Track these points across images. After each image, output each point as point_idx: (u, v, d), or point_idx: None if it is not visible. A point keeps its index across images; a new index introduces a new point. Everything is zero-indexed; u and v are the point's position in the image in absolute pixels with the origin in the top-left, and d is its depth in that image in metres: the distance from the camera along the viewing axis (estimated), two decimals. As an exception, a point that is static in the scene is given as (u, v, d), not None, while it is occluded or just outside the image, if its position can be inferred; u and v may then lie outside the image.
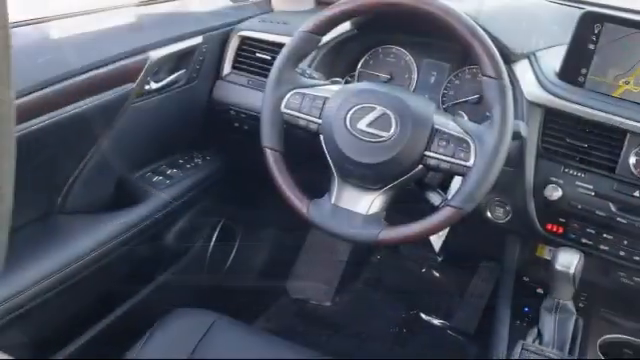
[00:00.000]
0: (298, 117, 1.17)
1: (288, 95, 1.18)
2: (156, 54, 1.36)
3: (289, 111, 1.17)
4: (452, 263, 2.16)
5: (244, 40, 1.56)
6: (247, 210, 1.96)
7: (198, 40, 1.48)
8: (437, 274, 2.22)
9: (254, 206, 1.94)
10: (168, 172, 1.55)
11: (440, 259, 2.15)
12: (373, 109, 1.10)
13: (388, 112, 1.10)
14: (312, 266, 2.16)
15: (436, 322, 2.08)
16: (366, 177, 1.13)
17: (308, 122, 1.16)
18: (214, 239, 1.84)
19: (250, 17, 1.63)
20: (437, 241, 1.43)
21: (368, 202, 1.14)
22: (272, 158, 1.18)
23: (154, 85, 1.40)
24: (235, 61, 1.57)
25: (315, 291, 2.13)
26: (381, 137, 1.09)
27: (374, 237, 1.11)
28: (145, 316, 1.28)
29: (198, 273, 1.82)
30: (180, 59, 1.46)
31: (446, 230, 1.47)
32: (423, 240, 1.38)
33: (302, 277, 2.16)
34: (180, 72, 1.47)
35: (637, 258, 1.26)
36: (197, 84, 1.53)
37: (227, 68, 1.58)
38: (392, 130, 1.09)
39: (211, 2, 1.63)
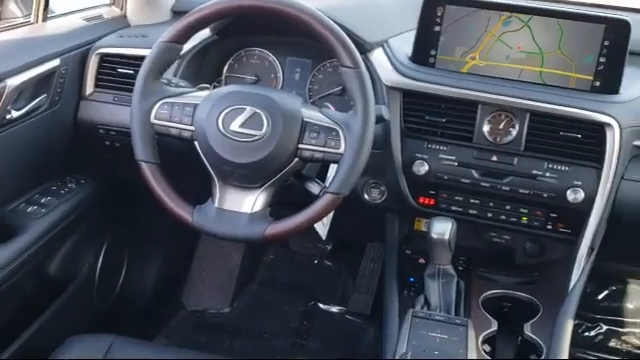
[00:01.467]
0: (170, 127, 1.17)
1: (156, 106, 1.18)
2: (13, 82, 1.31)
3: (159, 122, 1.17)
4: (341, 250, 2.24)
5: (104, 57, 1.53)
6: (131, 228, 1.92)
7: (56, 62, 1.43)
8: (329, 263, 2.29)
9: (138, 222, 1.90)
10: (42, 201, 1.49)
11: (329, 248, 2.23)
12: (243, 110, 1.13)
13: (258, 111, 1.13)
14: (206, 275, 2.16)
15: (334, 309, 2.14)
16: (246, 176, 1.16)
17: (181, 130, 1.17)
18: (101, 262, 1.79)
19: (107, 34, 1.60)
20: (323, 229, 1.48)
21: (251, 201, 1.17)
22: (148, 171, 1.17)
23: (15, 113, 1.34)
24: (97, 79, 1.54)
25: (212, 299, 2.13)
26: (255, 136, 1.12)
27: (261, 234, 1.14)
28: (39, 349, 1.23)
29: (89, 298, 1.77)
30: (40, 84, 1.41)
31: (330, 218, 1.52)
32: (309, 230, 1.43)
33: (197, 287, 2.15)
34: (41, 97, 1.42)
35: (503, 217, 1.38)
36: (60, 107, 1.49)
37: (90, 87, 1.54)
38: (264, 128, 1.12)
39: (65, 23, 1.59)
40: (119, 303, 1.92)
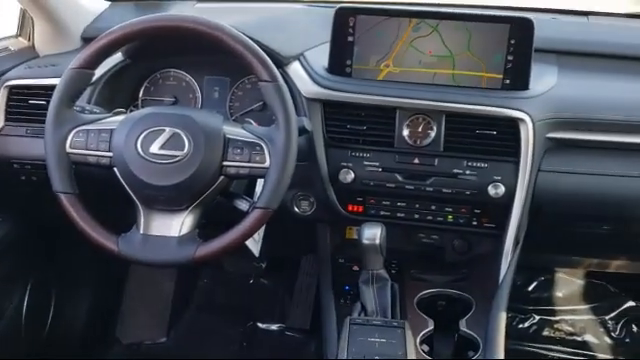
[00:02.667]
0: (86, 155, 1.14)
1: (71, 135, 1.14)
2: None
3: (75, 150, 1.14)
4: (276, 266, 2.22)
5: (13, 90, 1.47)
6: (57, 263, 1.84)
7: (-38, 99, 1.37)
8: (265, 281, 2.27)
9: (64, 257, 1.83)
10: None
11: (264, 266, 2.21)
12: (163, 131, 1.11)
13: (178, 131, 1.11)
14: (139, 305, 2.10)
15: (274, 327, 2.13)
16: (170, 199, 1.14)
17: (98, 158, 1.14)
18: (26, 302, 1.71)
19: (15, 65, 1.54)
20: (255, 246, 1.47)
21: (178, 223, 1.15)
22: (68, 202, 1.13)
23: None
24: (7, 113, 1.48)
25: (147, 330, 2.07)
26: (176, 157, 1.10)
27: (191, 256, 1.12)
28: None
29: (16, 341, 1.68)
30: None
31: (262, 234, 1.51)
32: (242, 249, 1.42)
33: (131, 319, 2.08)
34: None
35: (430, 218, 1.41)
36: (-30, 145, 1.42)
37: (0, 122, 1.48)
38: (186, 148, 1.10)
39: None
40: (50, 343, 1.83)
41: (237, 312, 2.17)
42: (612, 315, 2.16)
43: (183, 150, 1.10)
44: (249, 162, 1.12)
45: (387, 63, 1.37)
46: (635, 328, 2.13)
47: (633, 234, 1.37)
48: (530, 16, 1.31)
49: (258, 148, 1.12)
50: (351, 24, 1.35)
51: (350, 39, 1.36)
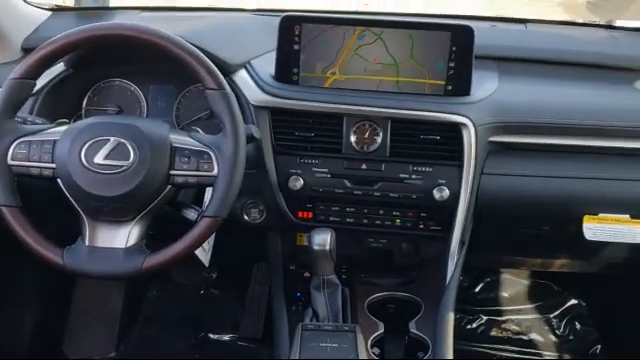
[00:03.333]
0: (29, 166, 1.12)
1: (12, 147, 1.12)
2: None
3: (17, 163, 1.12)
4: (227, 276, 2.21)
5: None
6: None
7: None
8: (216, 291, 2.25)
9: (6, 272, 1.78)
10: None
11: (215, 276, 2.19)
12: (107, 141, 1.10)
13: (123, 141, 1.10)
14: (86, 319, 2.05)
15: (226, 337, 2.11)
16: (117, 210, 1.12)
17: (41, 169, 1.12)
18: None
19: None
20: (204, 256, 1.46)
21: (125, 234, 1.13)
22: (10, 215, 1.11)
23: None
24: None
25: (95, 345, 2.02)
26: (122, 167, 1.09)
27: (138, 267, 1.11)
28: None
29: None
30: None
31: (211, 244, 1.51)
32: (192, 259, 1.41)
33: (78, 334, 2.03)
34: None
35: (378, 222, 1.43)
36: None
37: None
38: (131, 158, 1.09)
39: None
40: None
41: (188, 323, 2.14)
42: (556, 313, 2.23)
43: (128, 160, 1.09)
44: (197, 171, 1.12)
45: (333, 71, 1.39)
46: (578, 325, 2.20)
47: (572, 234, 1.41)
48: (470, 24, 1.34)
49: (206, 156, 1.12)
50: (297, 32, 1.37)
51: (296, 47, 1.38)
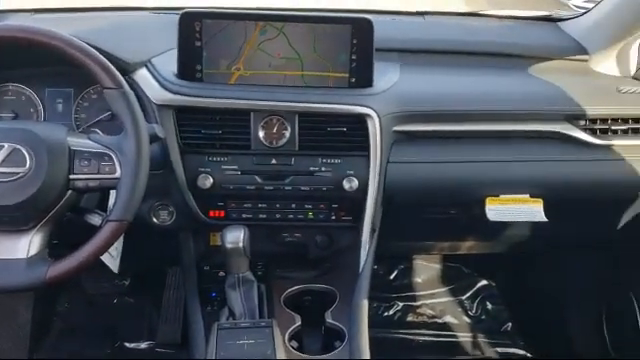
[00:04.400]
0: None
1: None
2: None
3: None
4: (141, 282, 2.15)
5: None
6: None
7: None
8: (130, 299, 2.19)
9: None
10: None
11: (127, 283, 2.13)
12: (1, 147, 1.05)
13: (18, 147, 1.06)
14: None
15: (143, 345, 2.06)
16: (15, 219, 1.07)
17: None
18: None
19: None
20: (113, 262, 1.42)
21: (26, 244, 1.09)
22: None
23: None
24: None
25: (3, 364, 1.92)
26: (18, 174, 1.04)
27: (42, 278, 1.06)
28: None
29: None
30: None
31: (119, 249, 1.46)
32: (102, 267, 1.36)
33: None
34: None
35: (291, 216, 1.43)
36: None
37: None
38: (28, 164, 1.05)
39: None
40: None
41: (102, 334, 2.08)
42: (468, 295, 2.32)
43: (24, 166, 1.05)
44: (98, 174, 1.09)
45: (238, 66, 1.38)
46: (489, 305, 2.30)
47: (477, 216, 1.47)
48: (370, 17, 1.37)
49: (107, 158, 1.09)
50: (197, 29, 1.34)
51: (198, 44, 1.35)
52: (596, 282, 1.95)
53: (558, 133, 1.46)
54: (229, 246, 1.25)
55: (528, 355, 2.13)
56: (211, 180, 1.35)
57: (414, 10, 1.85)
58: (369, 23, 1.35)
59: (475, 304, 2.30)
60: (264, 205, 1.42)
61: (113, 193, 1.16)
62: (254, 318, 1.27)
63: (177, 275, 2.09)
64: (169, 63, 1.39)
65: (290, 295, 1.42)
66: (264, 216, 1.43)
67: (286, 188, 1.38)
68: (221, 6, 1.51)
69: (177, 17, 1.35)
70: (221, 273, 1.47)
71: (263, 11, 1.39)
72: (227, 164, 1.37)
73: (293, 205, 1.42)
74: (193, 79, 1.37)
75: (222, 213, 1.41)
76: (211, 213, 1.41)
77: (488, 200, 1.46)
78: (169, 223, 1.42)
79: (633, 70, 1.69)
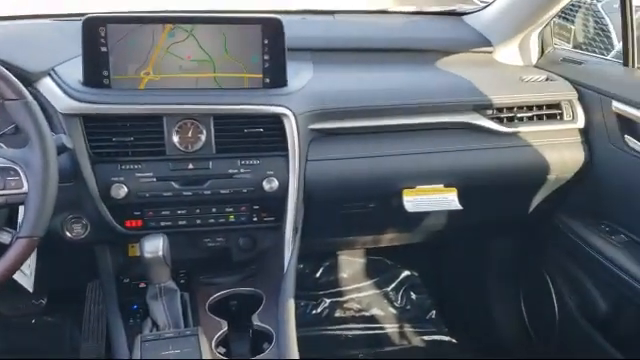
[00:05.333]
0: None
1: None
2: None
3: None
4: (59, 300, 2.06)
5: None
6: None
7: None
8: (49, 318, 2.09)
9: None
10: None
11: (45, 302, 2.04)
12: None
13: None
14: None
15: (64, 364, 1.97)
16: None
17: None
18: None
19: None
20: (27, 281, 1.35)
21: None
22: None
23: None
24: None
25: None
26: None
27: None
28: None
29: None
30: None
31: (33, 267, 1.40)
32: (15, 286, 1.29)
33: None
34: None
35: (212, 221, 1.41)
36: None
37: None
38: None
39: None
40: None
41: (22, 356, 1.97)
42: (392, 286, 2.36)
43: None
44: (4, 189, 1.04)
45: (147, 71, 1.35)
46: (413, 295, 2.36)
47: (395, 208, 1.50)
48: (281, 17, 1.37)
49: (12, 172, 1.04)
50: (102, 34, 1.30)
51: (104, 49, 1.31)
52: (513, 265, 2.03)
53: (467, 123, 1.51)
54: (148, 256, 1.22)
55: (453, 341, 2.19)
56: (125, 189, 1.31)
57: (324, 9, 1.87)
58: (279, 22, 1.35)
59: (400, 295, 2.35)
60: (183, 211, 1.39)
61: (22, 209, 1.11)
62: (179, 327, 1.25)
63: (97, 289, 2.02)
64: (74, 71, 1.34)
65: (215, 301, 1.40)
66: (184, 222, 1.40)
67: (205, 192, 1.36)
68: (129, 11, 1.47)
69: (80, 24, 1.30)
70: (142, 284, 1.42)
71: (171, 13, 1.36)
72: (141, 172, 1.33)
73: (213, 209, 1.40)
74: (100, 86, 1.32)
75: (139, 222, 1.37)
76: (128, 223, 1.37)
77: (405, 192, 1.49)
78: (84, 236, 1.36)
79: (535, 59, 1.78)
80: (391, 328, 2.23)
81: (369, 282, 2.37)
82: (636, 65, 1.52)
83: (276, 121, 1.36)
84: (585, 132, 1.58)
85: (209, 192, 1.36)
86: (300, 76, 1.47)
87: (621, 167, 1.49)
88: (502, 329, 2.09)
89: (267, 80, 1.38)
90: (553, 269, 1.79)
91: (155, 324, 1.26)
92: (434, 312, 2.30)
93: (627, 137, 1.45)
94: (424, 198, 1.49)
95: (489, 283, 2.11)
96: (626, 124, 1.45)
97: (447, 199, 1.50)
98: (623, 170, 1.49)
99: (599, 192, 1.60)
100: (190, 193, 1.36)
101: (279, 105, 1.35)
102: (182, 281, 1.44)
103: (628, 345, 1.53)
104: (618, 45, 3.12)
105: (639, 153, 1.42)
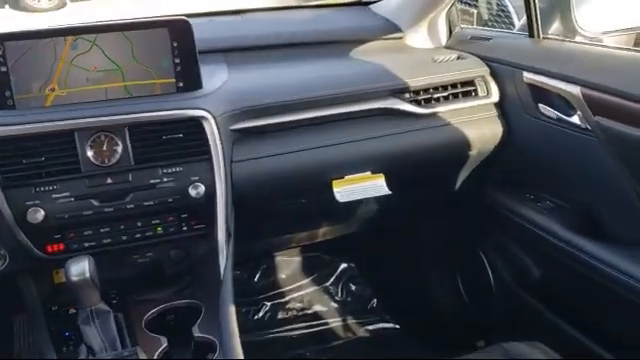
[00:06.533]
0: None
1: None
2: None
3: None
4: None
5: None
6: None
7: None
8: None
9: None
10: None
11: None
12: None
13: None
14: None
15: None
16: None
17: None
18: None
19: None
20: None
21: None
22: None
23: None
24: None
25: None
26: None
27: None
28: None
29: None
30: None
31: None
32: None
33: None
34: None
35: (139, 235, 1.35)
36: None
37: None
38: None
39: None
40: None
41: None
42: (331, 280, 2.36)
43: None
44: None
45: (52, 87, 1.28)
46: (353, 287, 2.36)
47: (327, 201, 1.49)
48: (187, 18, 1.33)
49: None
50: (0, 53, 1.23)
51: (3, 69, 1.24)
52: (447, 244, 2.06)
53: (386, 109, 1.53)
54: (75, 279, 1.15)
55: (396, 327, 2.21)
56: (42, 212, 1.24)
57: (230, 9, 1.85)
58: (186, 23, 1.32)
59: (340, 288, 2.34)
60: (107, 229, 1.33)
61: None
62: (115, 350, 1.19)
63: (25, 322, 1.91)
64: None
65: (152, 318, 1.34)
66: (109, 241, 1.33)
67: (128, 207, 1.30)
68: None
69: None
70: (72, 310, 1.36)
71: (71, 25, 1.30)
72: (57, 192, 1.26)
73: (139, 223, 1.34)
74: (4, 107, 1.25)
75: (61, 246, 1.30)
76: (49, 248, 1.29)
77: (334, 183, 1.49)
78: (3, 268, 1.28)
79: (444, 40, 1.82)
80: (335, 322, 2.23)
81: (308, 279, 2.35)
82: (541, 36, 1.57)
83: (195, 125, 1.32)
84: (501, 105, 1.63)
85: (132, 206, 1.31)
86: (215, 77, 1.44)
87: (538, 136, 1.54)
88: (442, 309, 2.12)
89: (181, 84, 1.34)
90: (486, 243, 1.83)
91: (91, 349, 1.20)
92: (375, 301, 2.31)
93: (541, 106, 1.50)
94: (353, 187, 1.49)
95: (425, 265, 2.14)
96: (539, 93, 1.50)
97: (376, 185, 1.51)
98: (540, 138, 1.54)
99: (521, 162, 1.64)
100: (112, 209, 1.30)
101: (196, 108, 1.31)
102: (114, 301, 1.37)
103: (564, 306, 1.58)
104: (518, 23, 3.25)
105: (553, 120, 1.47)
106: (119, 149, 1.29)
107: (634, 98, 1.25)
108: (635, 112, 1.24)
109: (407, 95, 1.55)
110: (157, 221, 1.36)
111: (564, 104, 1.44)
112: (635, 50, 1.51)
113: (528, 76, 1.51)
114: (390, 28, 1.79)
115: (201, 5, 1.89)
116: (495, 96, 1.62)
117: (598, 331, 1.46)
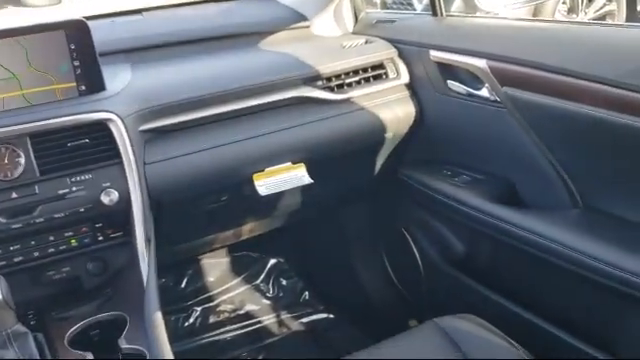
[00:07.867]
0: None
1: None
2: None
3: None
4: None
5: None
6: None
7: None
8: None
9: None
10: None
11: None
12: None
13: None
14: None
15: None
16: None
17: None
18: None
19: None
20: None
21: None
22: None
23: None
24: None
25: None
26: None
27: None
28: None
29: None
30: None
31: None
32: None
33: None
34: None
35: (52, 250, 1.28)
36: None
37: None
38: None
39: None
40: None
41: None
42: (261, 278, 2.33)
43: None
44: None
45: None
46: (284, 281, 2.34)
47: (250, 196, 1.47)
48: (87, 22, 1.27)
49: None
50: None
51: None
52: (371, 229, 2.07)
53: (300, 97, 1.52)
54: (-16, 302, 1.08)
55: (330, 316, 2.21)
56: None
57: (130, 9, 1.79)
58: (83, 24, 1.26)
59: (270, 284, 2.32)
60: (17, 246, 1.25)
61: None
62: (40, 369, 1.12)
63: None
64: None
65: (75, 334, 1.27)
66: (20, 259, 1.25)
67: (37, 221, 1.23)
68: None
69: None
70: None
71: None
72: None
73: (51, 237, 1.27)
74: None
75: None
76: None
77: (255, 176, 1.46)
78: None
79: (350, 26, 1.83)
80: (269, 320, 2.20)
81: (238, 279, 2.32)
82: (444, 14, 1.60)
83: (101, 128, 1.26)
84: (411, 86, 1.65)
85: (41, 219, 1.23)
86: (119, 78, 1.38)
87: (450, 112, 1.57)
88: (373, 293, 2.13)
89: (82, 87, 1.28)
90: (409, 223, 1.85)
91: (9, 375, 1.13)
92: (307, 293, 2.30)
93: (449, 82, 1.53)
94: (275, 179, 1.48)
95: (352, 252, 2.15)
96: (446, 70, 1.53)
97: (297, 175, 1.49)
98: (452, 114, 1.57)
99: (435, 140, 1.67)
100: (20, 225, 1.22)
101: (100, 110, 1.25)
102: (32, 322, 1.30)
103: (491, 277, 1.62)
104: (419, 5, 3.35)
105: (463, 95, 1.50)
106: (22, 160, 1.21)
107: (539, 66, 1.29)
108: (540, 80, 1.28)
109: (319, 82, 1.55)
110: (70, 233, 1.29)
111: (472, 78, 1.47)
112: (535, 20, 1.57)
113: (435, 54, 1.53)
114: (296, 18, 1.78)
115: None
116: (405, 77, 1.64)
117: (528, 298, 1.50)
